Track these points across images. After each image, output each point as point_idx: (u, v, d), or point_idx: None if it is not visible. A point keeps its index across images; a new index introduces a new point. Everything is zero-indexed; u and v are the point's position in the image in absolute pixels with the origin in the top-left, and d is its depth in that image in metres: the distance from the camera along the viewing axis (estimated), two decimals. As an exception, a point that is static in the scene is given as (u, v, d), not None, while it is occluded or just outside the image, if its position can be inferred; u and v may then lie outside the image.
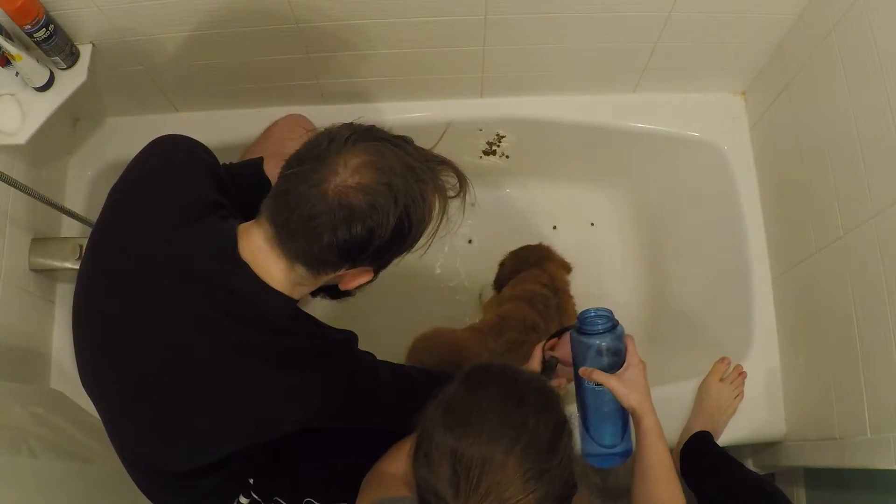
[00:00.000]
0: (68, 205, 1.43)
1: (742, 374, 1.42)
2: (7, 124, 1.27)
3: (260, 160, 1.15)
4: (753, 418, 1.42)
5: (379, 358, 1.10)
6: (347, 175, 0.83)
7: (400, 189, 0.84)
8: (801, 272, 1.37)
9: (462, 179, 0.94)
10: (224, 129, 1.58)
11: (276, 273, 0.89)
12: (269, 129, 1.51)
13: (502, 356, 1.44)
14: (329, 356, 0.97)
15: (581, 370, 1.20)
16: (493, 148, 1.76)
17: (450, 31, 1.38)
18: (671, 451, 1.18)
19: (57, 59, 1.28)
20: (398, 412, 0.85)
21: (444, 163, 0.93)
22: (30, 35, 1.22)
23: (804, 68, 1.34)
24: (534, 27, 1.38)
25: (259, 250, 0.88)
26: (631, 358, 1.15)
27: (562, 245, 1.86)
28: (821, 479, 1.44)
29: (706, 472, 1.30)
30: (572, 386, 1.29)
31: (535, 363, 1.28)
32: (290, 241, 0.86)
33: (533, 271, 1.62)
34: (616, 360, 1.17)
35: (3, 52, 1.22)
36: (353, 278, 0.92)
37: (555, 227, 1.90)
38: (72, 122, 1.59)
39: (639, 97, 1.62)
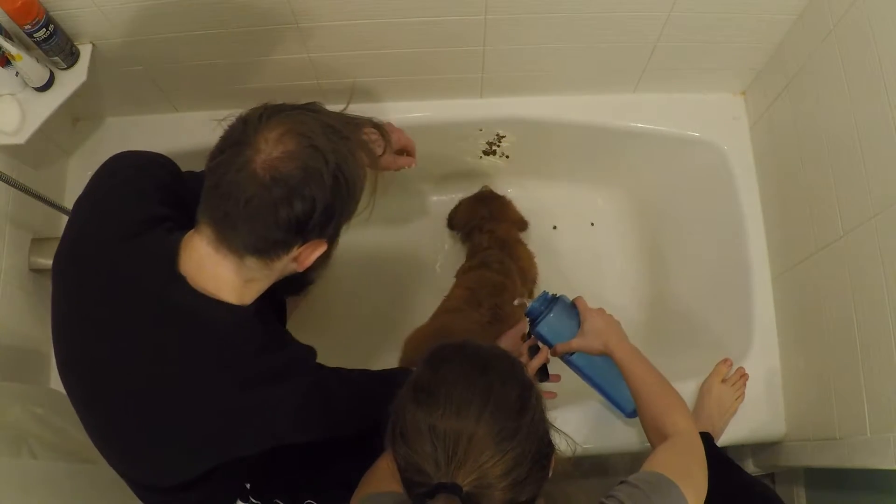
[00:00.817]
0: (68, 205, 1.43)
1: (744, 377, 1.42)
2: (7, 124, 1.27)
3: None
4: (753, 418, 1.42)
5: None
6: (271, 148, 0.81)
7: (326, 148, 0.83)
8: (801, 272, 1.37)
9: (383, 131, 0.93)
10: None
11: (225, 275, 0.87)
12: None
13: (491, 324, 1.48)
14: (285, 375, 0.93)
15: (551, 352, 1.24)
16: (493, 148, 1.76)
17: (450, 31, 1.38)
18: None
19: (57, 59, 1.28)
20: (370, 417, 0.83)
21: (359, 118, 0.92)
22: (30, 35, 1.22)
23: (804, 68, 1.34)
24: (534, 27, 1.38)
25: (205, 257, 0.86)
26: (583, 314, 1.20)
27: (562, 245, 1.87)
28: (821, 479, 1.44)
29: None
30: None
31: (526, 361, 1.30)
32: (233, 234, 0.84)
33: (475, 239, 1.67)
34: (576, 326, 1.22)
35: (3, 52, 1.22)
36: (310, 254, 0.89)
37: (555, 227, 1.90)
38: (72, 122, 1.59)
39: (639, 97, 1.62)
